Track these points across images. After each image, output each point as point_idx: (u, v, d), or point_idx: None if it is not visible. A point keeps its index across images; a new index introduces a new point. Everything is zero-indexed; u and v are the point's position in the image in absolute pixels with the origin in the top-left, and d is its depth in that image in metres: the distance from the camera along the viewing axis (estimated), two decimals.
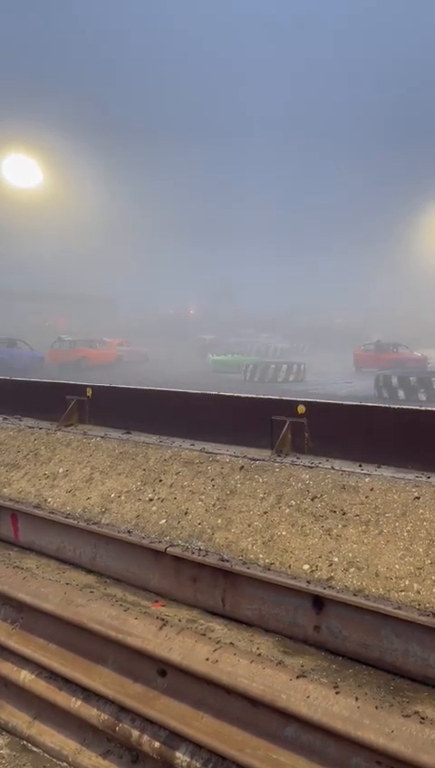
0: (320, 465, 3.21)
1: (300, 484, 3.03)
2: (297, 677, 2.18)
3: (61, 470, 3.96)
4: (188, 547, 2.97)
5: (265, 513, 2.95)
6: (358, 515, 2.73)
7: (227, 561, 2.80)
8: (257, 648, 2.47)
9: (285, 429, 3.62)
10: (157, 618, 2.65)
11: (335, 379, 26.64)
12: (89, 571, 3.40)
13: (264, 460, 3.37)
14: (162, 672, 2.48)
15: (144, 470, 3.60)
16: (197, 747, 2.30)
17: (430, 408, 3.44)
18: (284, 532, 2.81)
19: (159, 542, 3.07)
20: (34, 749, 2.78)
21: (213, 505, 3.14)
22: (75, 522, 3.46)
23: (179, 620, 2.70)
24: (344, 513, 2.77)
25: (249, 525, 2.93)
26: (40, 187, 52.11)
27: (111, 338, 35.45)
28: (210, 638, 2.48)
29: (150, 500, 3.37)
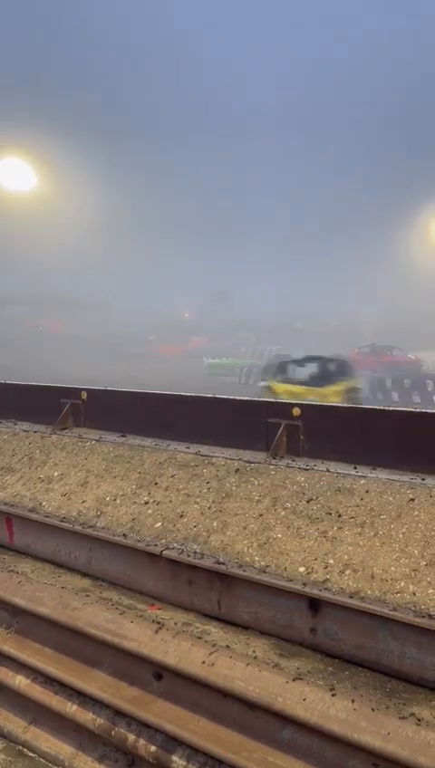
0: (315, 468, 3.22)
1: (295, 487, 3.03)
2: (294, 680, 2.17)
3: (56, 474, 3.95)
4: (183, 550, 2.97)
5: (261, 515, 2.95)
6: (353, 517, 2.73)
7: (223, 563, 2.80)
8: (253, 651, 2.47)
9: (280, 432, 3.62)
10: (153, 621, 2.65)
11: None
12: (84, 575, 3.39)
13: (259, 463, 3.37)
14: (158, 676, 2.48)
15: (139, 473, 3.60)
16: (193, 751, 2.30)
17: (424, 410, 3.45)
18: (279, 535, 2.81)
19: (155, 545, 3.07)
20: (30, 754, 2.77)
21: (208, 508, 3.13)
22: (70, 525, 3.46)
23: (175, 624, 2.70)
24: (340, 516, 2.77)
25: (245, 528, 2.93)
26: (34, 190, 52.02)
27: (197, 338, 46.40)
28: (206, 642, 2.48)
29: (146, 503, 3.36)
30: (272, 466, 3.29)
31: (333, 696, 2.08)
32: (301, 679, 2.18)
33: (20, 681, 2.90)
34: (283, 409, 3.76)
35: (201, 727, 2.30)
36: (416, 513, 2.64)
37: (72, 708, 2.68)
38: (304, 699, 2.09)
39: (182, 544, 3.01)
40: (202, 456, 3.58)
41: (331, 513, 2.80)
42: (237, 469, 3.31)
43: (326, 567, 2.59)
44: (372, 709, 2.00)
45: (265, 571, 2.69)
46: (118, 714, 2.53)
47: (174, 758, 2.33)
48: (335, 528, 2.72)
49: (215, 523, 3.03)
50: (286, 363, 16.04)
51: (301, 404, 3.74)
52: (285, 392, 14.04)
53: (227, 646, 2.46)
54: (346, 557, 2.59)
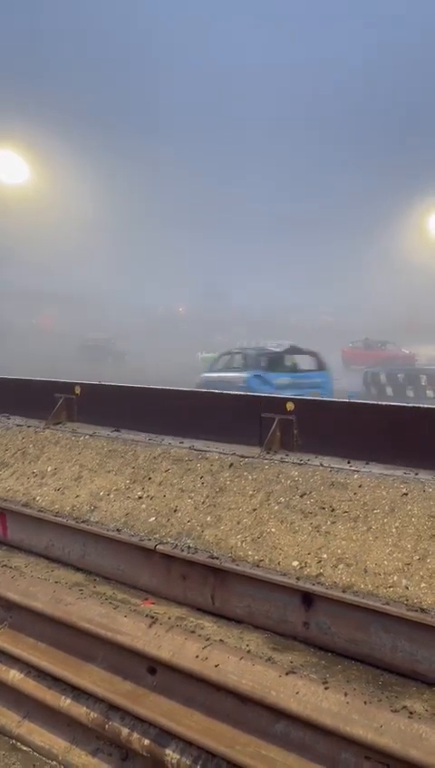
0: (309, 462, 3.22)
1: (289, 482, 3.04)
2: (287, 674, 2.18)
3: (49, 468, 3.95)
4: (177, 545, 2.97)
5: (255, 510, 2.96)
6: (347, 512, 2.74)
7: (217, 558, 2.81)
8: (247, 645, 2.48)
9: (274, 427, 3.62)
10: (146, 615, 2.65)
11: None
12: (78, 570, 3.39)
13: (253, 457, 3.37)
14: (152, 670, 2.49)
15: (133, 468, 3.60)
16: (186, 744, 2.31)
17: (418, 405, 3.46)
18: (273, 529, 2.82)
19: (149, 539, 3.07)
20: (24, 748, 2.77)
21: (202, 503, 3.14)
22: (64, 520, 3.45)
23: (169, 618, 2.70)
24: (333, 510, 2.78)
25: (238, 522, 2.94)
26: (26, 184, 51.58)
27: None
28: (200, 636, 2.49)
29: (140, 498, 3.36)
30: (266, 461, 3.30)
31: (325, 689, 2.09)
32: (294, 673, 2.19)
33: (13, 675, 2.90)
34: (276, 404, 3.76)
35: (195, 721, 2.31)
36: (409, 507, 2.65)
37: (65, 702, 2.68)
38: (297, 693, 2.10)
39: (176, 539, 3.01)
40: (196, 450, 3.58)
41: (324, 508, 2.80)
42: (231, 464, 3.31)
43: (320, 561, 2.59)
44: (365, 702, 2.01)
45: (258, 566, 2.70)
46: (111, 708, 2.54)
47: (167, 752, 2.34)
48: (329, 522, 2.73)
49: (209, 518, 3.04)
50: None
51: (294, 399, 3.74)
52: None
53: (221, 640, 2.47)
54: (339, 551, 2.59)
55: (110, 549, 3.26)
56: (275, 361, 15.48)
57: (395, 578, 2.41)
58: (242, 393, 4.24)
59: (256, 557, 2.74)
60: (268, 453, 3.50)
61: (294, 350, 16.32)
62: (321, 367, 15.58)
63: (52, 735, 2.74)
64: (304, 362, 16.00)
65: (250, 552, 2.78)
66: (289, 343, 17.72)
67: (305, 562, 2.62)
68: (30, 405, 5.11)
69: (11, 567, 3.30)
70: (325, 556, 2.60)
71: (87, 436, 4.14)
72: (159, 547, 2.99)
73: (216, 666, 2.28)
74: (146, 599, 3.00)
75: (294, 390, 13.29)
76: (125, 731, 2.47)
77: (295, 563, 2.64)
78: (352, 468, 3.08)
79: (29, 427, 4.59)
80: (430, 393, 19.63)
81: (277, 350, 16.47)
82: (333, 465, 3.14)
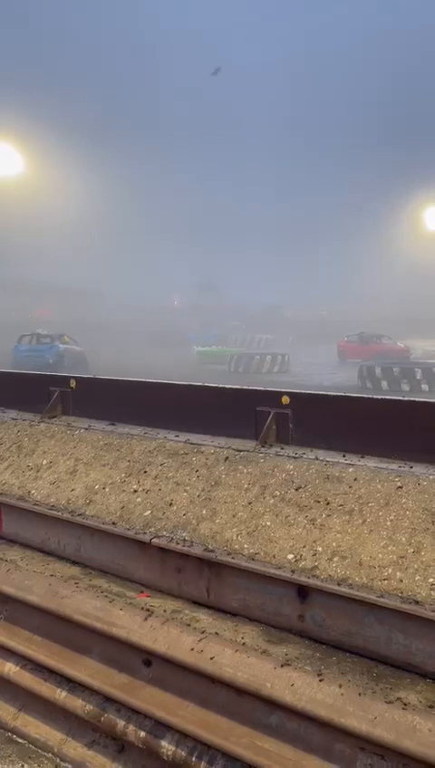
0: (304, 456, 3.23)
1: (284, 475, 3.04)
2: (282, 666, 2.19)
3: (44, 462, 3.94)
4: (172, 538, 2.98)
5: (250, 503, 2.96)
6: (342, 505, 2.75)
7: (212, 551, 2.81)
8: (242, 638, 2.49)
9: (269, 420, 3.63)
10: (142, 608, 2.66)
11: (319, 370, 26.71)
12: (73, 563, 3.40)
13: (248, 451, 3.38)
14: (147, 662, 2.49)
15: (129, 462, 3.60)
16: (182, 736, 2.32)
17: (413, 399, 3.46)
18: (268, 523, 2.83)
19: (144, 533, 3.08)
20: (20, 740, 2.78)
21: (198, 496, 3.14)
22: (60, 513, 3.45)
23: (165, 611, 2.71)
24: (328, 503, 2.78)
25: (234, 516, 2.94)
26: (21, 177, 51.27)
27: None
28: (195, 629, 2.50)
29: (135, 491, 3.36)
30: (261, 455, 3.30)
31: (320, 681, 2.10)
32: (289, 665, 2.20)
33: (9, 668, 2.91)
34: (272, 398, 3.76)
35: (190, 713, 2.32)
36: (404, 500, 2.66)
37: (61, 695, 2.69)
38: (292, 685, 2.11)
39: (171, 532, 3.02)
40: (191, 444, 3.58)
41: (319, 501, 2.81)
42: (227, 457, 3.32)
43: (315, 554, 2.60)
44: (359, 694, 2.02)
45: (253, 559, 2.71)
46: (107, 700, 2.54)
47: (163, 743, 2.35)
48: (324, 516, 2.74)
49: (204, 511, 3.04)
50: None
51: (290, 392, 3.74)
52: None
53: (216, 633, 2.48)
54: (334, 544, 2.60)
55: (105, 542, 3.27)
56: (24, 339, 24.97)
57: (390, 571, 2.42)
58: (238, 387, 4.24)
59: (251, 550, 2.75)
60: (264, 446, 3.51)
61: (38, 334, 25.53)
62: (52, 342, 24.47)
63: (47, 728, 2.75)
64: (45, 340, 24.72)
65: (245, 546, 2.78)
66: (39, 330, 26.51)
67: (300, 555, 2.63)
68: (25, 398, 5.10)
69: (6, 560, 3.31)
70: (320, 549, 2.61)
71: (82, 430, 4.14)
72: (155, 540, 2.99)
73: (211, 658, 2.29)
74: (141, 592, 3.01)
75: (30, 354, 23.02)
76: (121, 723, 2.47)
77: (290, 556, 2.65)
78: (348, 462, 3.09)
79: (24, 420, 4.59)
80: (425, 387, 19.67)
81: (27, 333, 25.51)
82: (328, 459, 3.14)
